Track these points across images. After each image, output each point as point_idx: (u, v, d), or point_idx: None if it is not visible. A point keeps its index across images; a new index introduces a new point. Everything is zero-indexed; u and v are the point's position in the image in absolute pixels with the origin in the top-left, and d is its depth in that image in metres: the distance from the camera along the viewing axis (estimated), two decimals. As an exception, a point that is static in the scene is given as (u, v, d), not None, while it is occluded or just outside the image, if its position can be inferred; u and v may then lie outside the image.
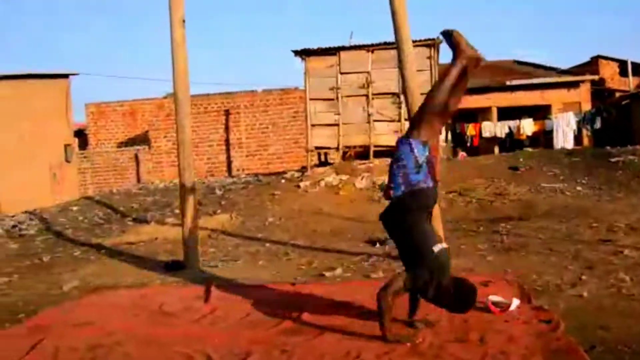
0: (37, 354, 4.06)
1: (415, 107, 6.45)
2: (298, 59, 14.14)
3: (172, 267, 6.88)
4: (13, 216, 11.59)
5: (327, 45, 14.09)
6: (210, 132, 21.77)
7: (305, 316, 4.60)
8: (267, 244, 8.27)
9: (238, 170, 21.18)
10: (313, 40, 68.51)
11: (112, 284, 6.34)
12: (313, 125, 13.90)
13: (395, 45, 6.69)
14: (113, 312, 5.14)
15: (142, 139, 22.69)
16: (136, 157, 22.27)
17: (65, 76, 16.43)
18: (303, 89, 23.09)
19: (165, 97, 23.37)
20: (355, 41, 14.55)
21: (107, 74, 53.14)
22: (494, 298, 4.69)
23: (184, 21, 6.87)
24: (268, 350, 3.86)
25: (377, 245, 7.61)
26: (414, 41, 13.45)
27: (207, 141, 21.77)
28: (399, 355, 3.67)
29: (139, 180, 21.59)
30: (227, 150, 21.77)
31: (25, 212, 12.14)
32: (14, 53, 58.33)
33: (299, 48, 14.00)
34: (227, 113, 22.02)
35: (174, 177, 21.02)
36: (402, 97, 13.60)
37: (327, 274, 6.18)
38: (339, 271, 6.26)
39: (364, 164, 13.15)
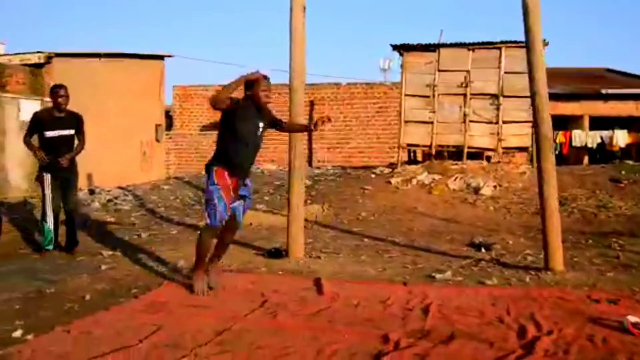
0: (164, 333, 3.98)
1: (543, 114, 6.14)
2: (395, 54, 13.88)
3: (274, 255, 6.77)
4: (109, 191, 11.78)
5: (426, 42, 13.81)
6: (293, 121, 21.70)
7: (430, 320, 4.39)
8: (365, 239, 8.06)
9: (319, 162, 21.09)
10: (398, 37, 67.89)
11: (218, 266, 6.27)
12: (406, 122, 13.60)
13: (525, 44, 6.30)
14: (227, 296, 5.05)
15: (225, 124, 22.85)
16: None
17: (161, 58, 16.65)
18: (388, 85, 23.15)
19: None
20: (446, 39, 14.20)
21: (199, 57, 53.73)
22: (632, 319, 4.36)
23: (304, 8, 6.71)
24: (402, 354, 3.65)
25: (482, 250, 7.30)
26: (517, 42, 13.19)
27: (290, 131, 21.76)
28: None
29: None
30: (309, 141, 21.66)
31: (119, 187, 12.34)
32: (116, 33, 59.91)
33: (397, 43, 13.73)
34: (311, 104, 21.93)
35: (256, 163, 21.09)
36: (500, 99, 13.25)
37: (437, 276, 5.92)
38: (448, 274, 6.00)
39: (456, 164, 12.79)
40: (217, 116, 16.74)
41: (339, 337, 3.94)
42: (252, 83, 5.22)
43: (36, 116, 7.10)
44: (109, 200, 11.02)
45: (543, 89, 6.14)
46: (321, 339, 3.89)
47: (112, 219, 9.65)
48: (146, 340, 3.86)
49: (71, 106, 7.13)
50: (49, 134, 6.94)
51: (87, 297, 5.05)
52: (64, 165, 6.94)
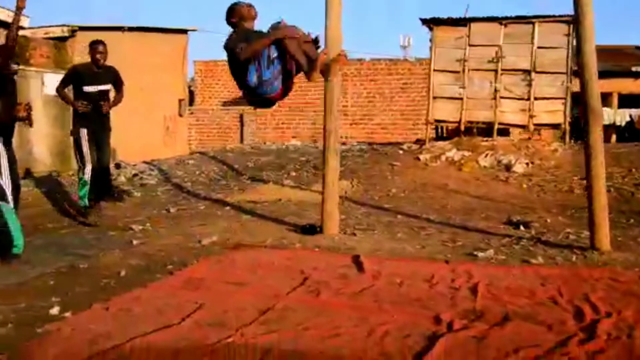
0: (206, 312, 3.83)
1: (592, 87, 5.86)
2: (425, 29, 13.51)
3: (308, 231, 6.60)
4: (134, 165, 11.67)
5: (457, 16, 13.45)
6: (315, 97, 21.43)
7: (480, 300, 4.19)
8: (399, 216, 7.86)
9: (342, 137, 20.83)
10: (416, 13, 66.83)
11: (250, 242, 6.13)
12: (435, 98, 13.29)
13: (573, 17, 6.00)
14: (265, 273, 4.89)
15: (248, 100, 22.66)
16: (241, 117, 22.33)
17: (184, 32, 16.43)
18: (412, 61, 22.78)
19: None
20: (473, 14, 13.78)
21: (221, 31, 53.31)
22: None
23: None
24: (457, 336, 3.46)
25: (521, 227, 7.07)
26: (552, 16, 12.81)
27: (313, 106, 21.53)
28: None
29: (242, 140, 21.66)
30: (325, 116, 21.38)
31: (145, 162, 12.22)
32: (139, 6, 59.51)
33: (427, 17, 13.37)
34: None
35: (277, 139, 21.00)
36: (532, 75, 12.90)
37: (480, 254, 5.71)
38: (490, 252, 5.79)
39: (486, 140, 12.50)
40: (238, 92, 16.66)
41: (388, 318, 3.76)
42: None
43: (75, 69, 7.10)
44: (135, 175, 10.91)
45: (592, 62, 5.85)
46: (370, 320, 3.71)
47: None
48: (188, 318, 3.70)
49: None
50: (88, 88, 6.96)
51: (122, 273, 4.91)
52: (104, 110, 6.94)
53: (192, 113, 21.51)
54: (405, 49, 27.64)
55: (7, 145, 5.68)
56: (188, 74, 18.52)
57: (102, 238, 6.47)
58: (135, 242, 6.14)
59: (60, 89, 7.07)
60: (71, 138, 7.21)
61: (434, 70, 13.31)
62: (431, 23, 13.36)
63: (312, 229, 6.61)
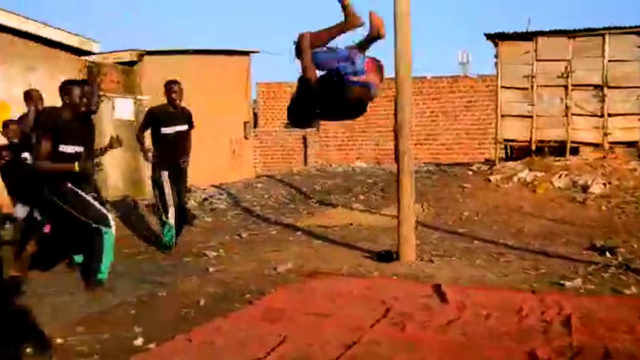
0: (290, 345, 3.73)
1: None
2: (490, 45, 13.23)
3: (384, 258, 6.45)
4: (204, 189, 11.77)
5: (522, 30, 13.11)
6: (378, 118, 21.34)
7: (575, 335, 3.97)
8: (475, 241, 7.63)
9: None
10: (473, 28, 65.99)
11: (325, 270, 6.03)
12: (503, 116, 12.98)
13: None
14: (345, 303, 4.77)
15: (310, 121, 22.72)
16: (304, 139, 22.40)
17: (247, 53, 16.61)
18: (474, 77, 22.40)
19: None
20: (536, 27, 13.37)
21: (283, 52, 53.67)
22: None
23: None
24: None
25: (607, 254, 6.74)
26: (620, 28, 12.36)
27: (376, 127, 21.43)
28: None
29: (305, 162, 21.71)
30: (395, 137, 21.19)
31: (213, 186, 12.33)
32: (204, 28, 60.69)
33: (492, 32, 13.09)
34: (395, 99, 21.50)
35: (340, 160, 20.95)
36: (605, 90, 12.46)
37: (567, 283, 5.45)
38: (578, 281, 5.51)
39: (559, 160, 12.10)
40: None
41: (481, 354, 3.59)
42: None
43: (152, 112, 7.09)
44: (205, 199, 11.00)
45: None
46: (461, 356, 3.55)
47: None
48: (273, 352, 3.63)
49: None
50: (166, 130, 6.96)
51: (202, 302, 4.89)
52: (184, 166, 6.97)
53: (255, 135, 21.69)
54: (463, 65, 27.33)
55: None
56: (251, 96, 18.69)
57: (177, 265, 6.49)
58: (211, 269, 6.13)
59: (139, 134, 7.11)
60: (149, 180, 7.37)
61: (501, 87, 13.00)
62: (496, 38, 13.07)
63: (388, 256, 6.46)
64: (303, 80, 4.40)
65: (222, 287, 5.37)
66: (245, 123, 16.59)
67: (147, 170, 11.22)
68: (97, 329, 4.28)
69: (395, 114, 6.58)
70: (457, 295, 4.91)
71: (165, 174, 6.92)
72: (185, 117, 7.16)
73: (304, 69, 4.33)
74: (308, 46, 4.30)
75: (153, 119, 7.00)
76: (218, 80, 15.13)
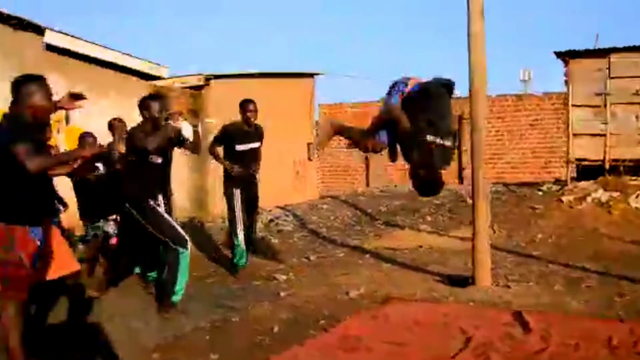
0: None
1: None
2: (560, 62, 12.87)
3: (458, 282, 6.27)
4: (269, 211, 11.78)
5: (593, 47, 12.71)
6: (441, 137, 21.02)
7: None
8: (551, 265, 7.34)
9: (469, 178, 20.25)
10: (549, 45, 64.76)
11: (398, 294, 5.88)
12: (575, 135, 12.56)
13: None
14: (423, 331, 4.62)
15: (372, 141, 22.59)
16: (366, 159, 22.25)
17: (311, 75, 16.66)
18: (539, 95, 21.89)
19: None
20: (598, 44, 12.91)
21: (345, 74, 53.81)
22: None
23: (482, 12, 6.23)
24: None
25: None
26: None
27: (438, 147, 21.13)
28: None
29: (367, 182, 21.55)
30: (459, 156, 20.88)
31: (279, 207, 12.33)
32: (271, 52, 61.56)
33: (562, 49, 12.74)
34: (459, 118, 21.19)
35: (404, 181, 20.67)
36: (684, 107, 11.93)
37: (660, 312, 5.15)
38: (671, 311, 5.21)
39: (635, 179, 11.61)
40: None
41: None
42: None
43: (226, 129, 7.08)
44: (271, 221, 11.00)
45: None
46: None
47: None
48: (354, 383, 3.50)
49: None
50: (239, 147, 6.97)
51: (275, 328, 4.82)
52: (254, 172, 7.07)
53: (318, 156, 21.68)
54: (525, 83, 26.89)
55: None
56: (315, 117, 18.71)
57: (247, 288, 6.45)
58: (282, 293, 6.08)
59: (211, 149, 7.12)
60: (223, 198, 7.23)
61: (572, 105, 12.60)
62: (566, 56, 12.69)
63: (462, 280, 6.27)
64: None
65: (294, 313, 5.30)
66: (308, 144, 16.58)
67: (215, 190, 11.36)
68: (172, 355, 4.27)
69: (472, 138, 6.38)
70: (540, 324, 4.70)
71: (237, 193, 6.92)
72: (259, 134, 7.22)
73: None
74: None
75: (227, 136, 7.02)
76: (282, 102, 15.19)
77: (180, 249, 5.22)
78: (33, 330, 4.18)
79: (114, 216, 6.61)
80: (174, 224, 5.41)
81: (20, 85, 3.79)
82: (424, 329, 4.66)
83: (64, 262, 4.71)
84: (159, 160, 5.47)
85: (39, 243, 3.80)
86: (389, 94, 4.73)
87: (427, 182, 4.33)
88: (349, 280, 6.59)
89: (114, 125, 7.01)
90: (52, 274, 4.66)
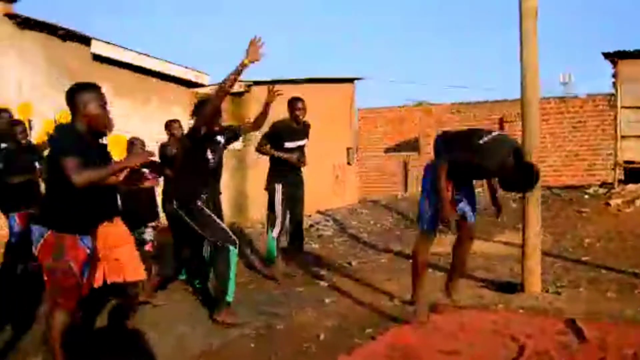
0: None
1: None
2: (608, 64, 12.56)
3: (506, 289, 6.11)
4: (309, 216, 11.72)
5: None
6: (482, 140, 20.78)
7: None
8: (603, 270, 7.12)
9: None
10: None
11: (445, 301, 5.73)
12: (623, 137, 12.24)
13: None
14: (473, 339, 4.49)
15: (410, 146, 22.43)
16: (404, 163, 22.11)
17: (351, 80, 16.58)
18: (583, 98, 21.45)
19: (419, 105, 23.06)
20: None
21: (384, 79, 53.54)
22: None
23: (537, 13, 6.06)
24: None
25: None
26: None
27: (478, 150, 20.86)
28: None
29: (406, 186, 21.38)
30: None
31: (319, 212, 12.27)
32: (307, 57, 61.95)
33: (611, 50, 12.43)
34: (500, 121, 20.89)
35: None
36: None
37: None
38: None
39: (687, 183, 11.26)
40: (402, 137, 16.43)
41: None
42: None
43: (276, 127, 7.02)
44: (311, 226, 10.94)
45: None
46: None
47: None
48: (405, 394, 3.40)
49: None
50: (288, 145, 6.93)
51: (322, 336, 4.74)
52: (303, 164, 6.94)
53: (356, 160, 21.60)
54: (565, 85, 26.54)
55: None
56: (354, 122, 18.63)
57: (289, 294, 6.37)
58: (326, 299, 5.99)
59: (260, 147, 7.08)
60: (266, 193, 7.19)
61: (622, 107, 12.27)
62: (615, 57, 12.39)
63: (510, 287, 6.11)
64: None
65: (339, 320, 5.21)
66: (348, 149, 16.51)
67: (254, 196, 11.36)
68: (218, 362, 4.22)
69: (523, 140, 6.20)
70: (595, 332, 4.53)
71: (279, 187, 6.89)
72: (306, 131, 7.17)
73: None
74: None
75: (276, 133, 6.96)
76: (322, 107, 15.09)
77: (230, 247, 5.17)
78: (81, 334, 4.19)
79: (154, 223, 6.62)
80: (222, 224, 5.37)
81: (75, 94, 3.79)
82: (474, 337, 4.53)
83: (131, 269, 4.77)
84: (212, 159, 5.48)
85: (88, 251, 3.80)
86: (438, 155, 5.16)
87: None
88: (393, 286, 6.48)
89: (172, 125, 7.15)
90: (118, 278, 4.72)
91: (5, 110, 7.14)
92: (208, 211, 5.31)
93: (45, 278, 3.82)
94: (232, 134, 6.19)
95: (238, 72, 4.83)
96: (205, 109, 5.23)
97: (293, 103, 6.98)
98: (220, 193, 6.09)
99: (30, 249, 3.80)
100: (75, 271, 3.68)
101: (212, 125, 5.36)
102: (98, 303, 5.04)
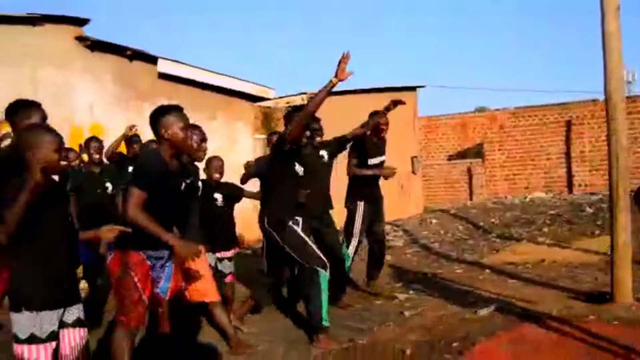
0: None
1: None
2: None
3: (595, 299, 5.84)
4: (378, 227, 11.62)
5: None
6: (548, 144, 20.29)
7: None
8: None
9: (580, 185, 19.31)
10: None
11: (532, 313, 5.53)
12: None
13: None
14: (567, 354, 4.29)
15: (474, 153, 22.05)
16: (469, 170, 21.72)
17: (413, 89, 16.43)
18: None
19: (496, 110, 22.60)
20: None
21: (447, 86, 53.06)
22: None
23: (619, 7, 5.81)
24: None
25: None
26: None
27: (545, 154, 20.34)
28: None
29: (471, 194, 20.99)
30: (568, 164, 19.98)
31: (387, 222, 12.12)
32: (371, 68, 61.91)
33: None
34: (567, 124, 20.29)
35: (507, 192, 20.05)
36: None
37: None
38: None
39: None
40: (465, 145, 15.95)
41: None
42: None
43: (360, 144, 6.79)
44: (381, 237, 10.82)
45: None
46: None
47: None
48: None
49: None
50: (372, 161, 6.78)
51: (407, 351, 4.60)
52: (386, 174, 6.79)
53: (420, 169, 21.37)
54: (629, 84, 25.67)
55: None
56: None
57: (370, 308, 6.26)
58: (406, 313, 5.85)
59: (354, 167, 6.80)
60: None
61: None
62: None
63: (599, 297, 5.84)
64: None
65: (424, 334, 5.06)
66: (412, 158, 16.34)
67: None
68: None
69: (608, 142, 5.94)
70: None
71: (361, 205, 6.70)
72: (384, 146, 7.04)
73: None
74: None
75: (362, 150, 6.78)
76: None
77: (320, 270, 4.95)
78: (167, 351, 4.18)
79: (229, 254, 5.98)
80: (313, 245, 5.14)
81: (159, 116, 3.77)
82: (567, 350, 4.33)
83: (204, 290, 4.74)
84: (302, 172, 5.35)
85: (157, 268, 3.78)
86: None
87: None
88: (474, 297, 6.30)
89: (270, 140, 6.84)
90: (193, 298, 4.71)
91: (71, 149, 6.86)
92: (299, 231, 5.08)
93: (113, 292, 3.84)
94: (337, 147, 6.19)
95: (327, 90, 4.61)
96: (292, 123, 5.02)
97: (375, 117, 6.77)
98: (331, 207, 6.11)
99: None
100: (141, 288, 3.66)
101: (299, 138, 5.10)
102: (180, 320, 5.06)
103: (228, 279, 5.70)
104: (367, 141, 6.79)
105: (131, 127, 6.70)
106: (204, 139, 5.01)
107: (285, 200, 5.16)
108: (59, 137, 3.03)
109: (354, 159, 6.82)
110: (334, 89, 4.63)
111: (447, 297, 6.43)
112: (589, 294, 5.99)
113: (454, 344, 4.72)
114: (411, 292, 6.85)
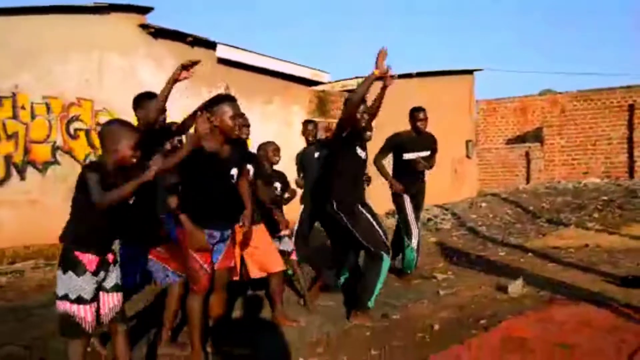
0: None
1: None
2: None
3: (630, 283, 5.93)
4: (427, 209, 11.78)
5: None
6: (610, 129, 19.84)
7: None
8: None
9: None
10: None
11: (564, 295, 5.67)
12: None
13: None
14: (592, 333, 4.45)
15: (533, 137, 21.77)
16: (527, 154, 21.49)
17: (470, 72, 16.41)
18: None
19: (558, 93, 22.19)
20: None
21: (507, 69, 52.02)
22: None
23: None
24: None
25: None
26: None
27: (606, 139, 19.92)
28: None
29: (528, 178, 20.80)
30: (630, 149, 19.51)
31: (437, 205, 12.31)
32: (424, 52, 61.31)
33: None
34: (630, 108, 19.79)
35: (565, 176, 19.78)
36: None
37: None
38: None
39: None
40: (524, 128, 15.80)
41: None
42: None
43: (397, 137, 6.91)
44: (429, 219, 11.01)
45: None
46: None
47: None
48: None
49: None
50: (408, 156, 6.79)
51: (436, 326, 4.86)
52: (421, 168, 6.81)
53: (477, 153, 21.27)
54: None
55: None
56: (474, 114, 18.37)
57: (407, 287, 6.53)
58: (441, 292, 6.09)
59: (378, 159, 6.86)
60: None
61: None
62: None
63: (634, 281, 5.93)
64: None
65: (455, 312, 5.31)
66: (467, 142, 16.34)
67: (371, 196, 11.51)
68: (335, 349, 4.45)
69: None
70: None
71: (407, 199, 6.78)
72: (429, 143, 6.98)
73: None
74: None
75: (397, 144, 6.86)
76: (440, 100, 15.07)
77: (383, 255, 5.12)
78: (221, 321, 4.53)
79: (287, 231, 6.18)
80: (379, 229, 5.26)
81: (213, 105, 4.09)
82: (593, 332, 4.49)
83: (272, 262, 5.09)
84: (364, 155, 5.42)
85: (215, 241, 4.15)
86: None
87: None
88: (510, 280, 6.45)
89: (307, 126, 6.92)
90: (258, 273, 5.08)
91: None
92: (367, 214, 5.24)
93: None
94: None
95: (369, 81, 4.84)
96: (343, 112, 5.27)
97: (414, 113, 6.85)
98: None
99: None
100: (199, 259, 4.04)
101: (357, 123, 5.25)
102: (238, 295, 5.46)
103: (292, 256, 5.90)
104: (406, 136, 6.86)
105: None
106: (246, 124, 5.30)
107: (352, 184, 5.30)
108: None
109: (386, 151, 6.90)
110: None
111: (484, 278, 6.64)
112: (624, 278, 6.07)
113: (482, 321, 4.95)
114: (449, 273, 7.06)
